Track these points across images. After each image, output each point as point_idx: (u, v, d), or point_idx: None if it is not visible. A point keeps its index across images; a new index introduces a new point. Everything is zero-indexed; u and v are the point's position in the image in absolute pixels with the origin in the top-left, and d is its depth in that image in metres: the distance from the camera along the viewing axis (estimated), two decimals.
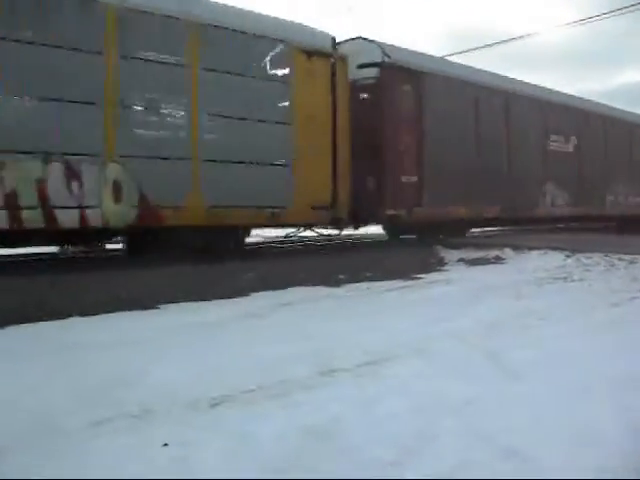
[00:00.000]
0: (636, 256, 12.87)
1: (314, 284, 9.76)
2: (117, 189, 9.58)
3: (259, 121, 11.42)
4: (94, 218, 9.33)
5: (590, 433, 3.61)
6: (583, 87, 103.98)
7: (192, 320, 7.13)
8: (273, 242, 15.97)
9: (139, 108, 9.92)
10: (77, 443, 3.51)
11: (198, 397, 4.30)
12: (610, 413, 3.93)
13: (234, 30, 11.06)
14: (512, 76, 18.69)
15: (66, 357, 5.40)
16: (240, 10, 11.58)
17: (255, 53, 11.44)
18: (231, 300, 8.56)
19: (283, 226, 13.92)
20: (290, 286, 9.54)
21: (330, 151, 12.77)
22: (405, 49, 15.50)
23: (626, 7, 25.21)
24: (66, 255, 12.70)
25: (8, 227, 8.53)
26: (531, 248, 14.55)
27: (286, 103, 11.96)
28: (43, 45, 8.89)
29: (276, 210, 11.75)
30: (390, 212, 14.36)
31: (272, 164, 11.70)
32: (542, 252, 14.10)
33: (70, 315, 7.26)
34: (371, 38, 14.55)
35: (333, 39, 13.09)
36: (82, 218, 9.19)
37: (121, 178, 9.61)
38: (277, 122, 11.75)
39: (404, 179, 14.55)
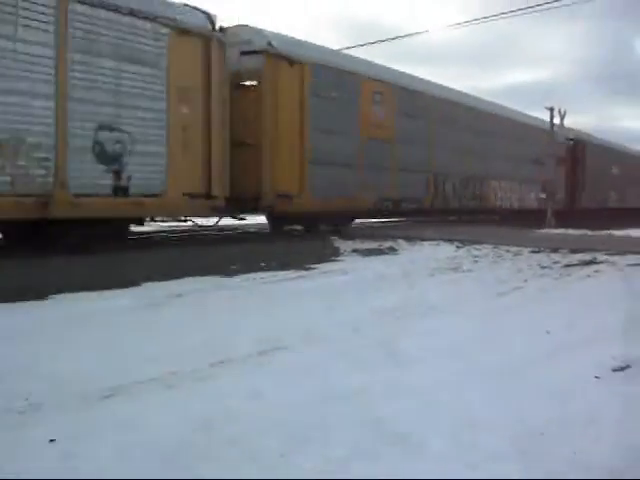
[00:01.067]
0: (521, 248, 13.37)
1: (208, 274, 9.68)
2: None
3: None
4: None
5: (475, 418, 3.75)
6: (474, 84, 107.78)
7: (85, 310, 6.95)
8: (164, 231, 15.70)
9: None
10: None
11: (90, 389, 4.22)
12: (492, 400, 4.09)
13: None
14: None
15: None
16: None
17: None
18: (123, 290, 8.37)
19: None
20: (184, 276, 9.42)
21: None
22: (580, 131, 33.68)
23: (521, 9, 26.14)
24: None
25: None
26: (424, 239, 14.89)
27: None
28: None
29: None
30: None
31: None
32: (434, 243, 14.46)
33: None
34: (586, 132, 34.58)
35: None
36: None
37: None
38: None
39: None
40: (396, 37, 43.46)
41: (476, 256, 12.69)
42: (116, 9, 10.86)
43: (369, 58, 18.92)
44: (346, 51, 20.34)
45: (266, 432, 3.50)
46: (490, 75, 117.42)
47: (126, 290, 8.37)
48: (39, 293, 7.74)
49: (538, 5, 23.05)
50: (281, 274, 10.12)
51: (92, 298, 7.77)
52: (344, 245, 14.20)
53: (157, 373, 4.60)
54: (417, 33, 58.39)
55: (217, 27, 13.03)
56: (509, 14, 23.09)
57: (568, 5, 20.03)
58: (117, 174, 11.01)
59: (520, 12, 22.14)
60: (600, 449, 3.34)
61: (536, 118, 28.93)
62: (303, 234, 16.57)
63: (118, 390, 4.23)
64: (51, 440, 3.35)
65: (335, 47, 19.36)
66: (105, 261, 9.97)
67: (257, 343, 5.49)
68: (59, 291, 7.94)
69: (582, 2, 19.41)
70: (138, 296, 7.95)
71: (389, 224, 23.22)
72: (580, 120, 55.41)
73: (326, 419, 3.71)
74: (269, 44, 14.61)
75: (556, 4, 20.32)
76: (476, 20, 23.31)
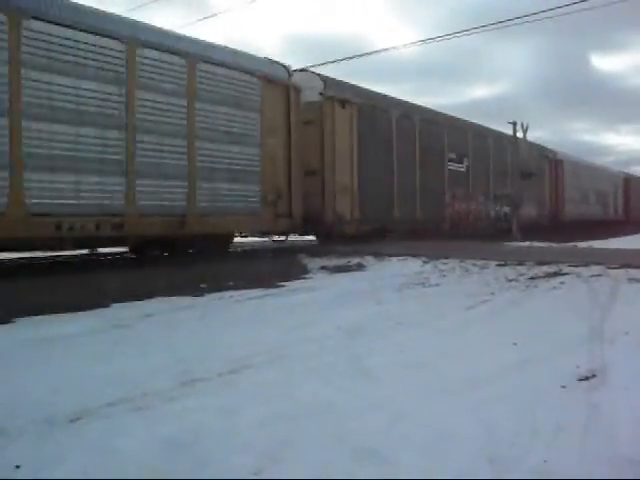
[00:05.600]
0: (488, 261, 13.46)
1: (177, 294, 9.62)
2: None
3: None
4: None
5: (444, 431, 3.78)
6: (439, 100, 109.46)
7: (52, 333, 6.86)
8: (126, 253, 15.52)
9: None
10: None
11: (56, 412, 4.16)
12: (461, 412, 4.12)
13: None
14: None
15: None
16: None
17: None
18: (92, 312, 8.30)
19: None
20: (153, 296, 9.36)
21: None
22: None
23: (476, 28, 26.56)
24: None
25: None
26: (391, 255, 14.92)
27: None
28: None
29: None
30: None
31: None
32: (402, 259, 14.49)
33: None
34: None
35: None
36: None
37: None
38: None
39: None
40: (360, 55, 43.68)
41: (443, 270, 12.74)
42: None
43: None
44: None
45: (236, 451, 3.49)
46: (451, 90, 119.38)
47: (95, 311, 8.30)
48: (4, 316, 7.65)
49: (492, 24, 23.23)
50: (250, 292, 10.09)
51: (59, 320, 7.69)
52: (312, 263, 14.21)
53: (127, 394, 4.56)
54: (378, 51, 58.53)
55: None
56: (471, 31, 23.34)
57: (520, 24, 20.13)
58: None
59: (480, 29, 22.33)
60: (569, 457, 3.38)
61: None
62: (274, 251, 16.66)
63: (87, 412, 4.18)
64: (17, 466, 3.30)
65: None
66: (71, 282, 9.89)
67: (226, 362, 5.47)
68: (24, 314, 7.85)
69: (536, 20, 19.63)
70: (107, 317, 7.89)
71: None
72: (538, 134, 56.87)
73: (297, 436, 3.70)
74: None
75: (510, 22, 20.46)
76: (440, 37, 23.53)
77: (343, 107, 18.51)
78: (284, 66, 16.27)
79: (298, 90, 16.45)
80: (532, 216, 30.97)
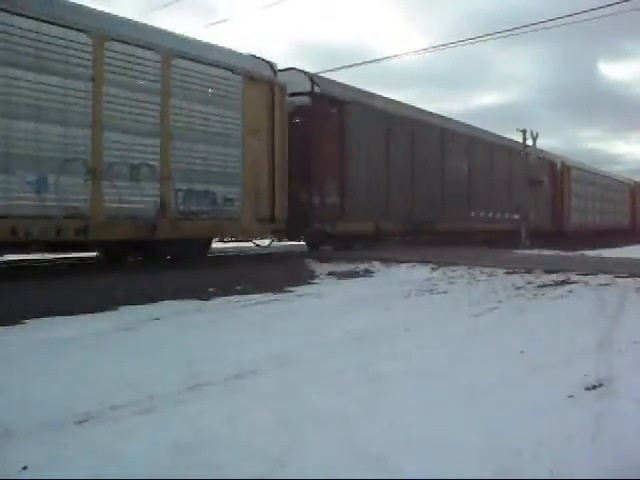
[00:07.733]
0: (496, 269, 13.44)
1: (185, 298, 9.65)
2: None
3: None
4: None
5: (451, 439, 3.77)
6: (445, 106, 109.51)
7: (62, 335, 6.89)
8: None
9: None
10: None
11: (63, 414, 4.18)
12: (468, 420, 4.12)
13: None
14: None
15: None
16: None
17: None
18: (100, 314, 8.33)
19: None
20: (161, 299, 9.39)
21: None
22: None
23: (481, 36, 26.62)
24: None
25: None
26: (399, 261, 14.91)
27: None
28: None
29: None
30: None
31: None
32: (410, 265, 14.47)
33: None
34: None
35: None
36: None
37: None
38: None
39: None
40: (369, 61, 43.96)
41: (451, 277, 12.73)
42: None
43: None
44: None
45: (242, 456, 3.49)
46: (458, 97, 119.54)
47: (103, 314, 8.34)
48: (13, 318, 7.69)
49: (499, 32, 23.29)
50: (258, 297, 10.11)
51: (69, 322, 7.73)
52: (320, 268, 14.22)
53: (135, 397, 4.58)
54: (387, 57, 58.70)
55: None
56: (476, 39, 23.42)
57: (528, 32, 20.12)
58: None
59: (486, 37, 22.39)
60: (575, 467, 3.37)
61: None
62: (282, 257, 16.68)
63: (94, 414, 4.19)
64: (24, 467, 3.32)
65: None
66: (80, 285, 9.92)
67: (233, 367, 5.48)
68: (34, 316, 7.89)
69: (545, 28, 19.61)
70: (114, 320, 7.91)
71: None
72: (546, 142, 56.88)
73: (305, 443, 3.70)
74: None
75: (518, 30, 20.46)
76: (446, 45, 23.55)
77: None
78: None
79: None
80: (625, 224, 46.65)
